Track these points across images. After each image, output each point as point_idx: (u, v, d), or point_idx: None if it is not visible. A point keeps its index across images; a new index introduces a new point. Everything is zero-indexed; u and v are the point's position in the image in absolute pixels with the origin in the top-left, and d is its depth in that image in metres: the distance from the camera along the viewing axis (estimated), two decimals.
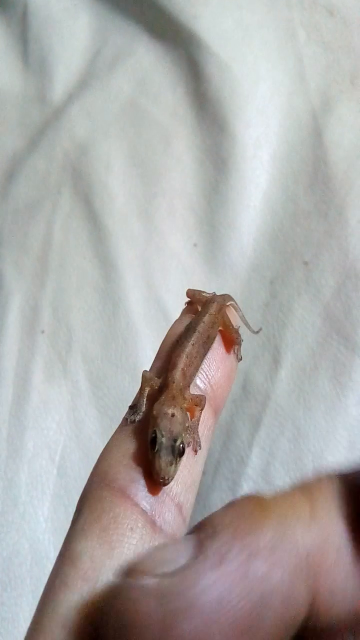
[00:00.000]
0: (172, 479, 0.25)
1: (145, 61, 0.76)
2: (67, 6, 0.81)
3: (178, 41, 0.74)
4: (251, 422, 0.53)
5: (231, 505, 0.18)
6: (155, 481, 0.25)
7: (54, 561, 0.55)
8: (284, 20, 0.72)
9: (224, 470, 0.53)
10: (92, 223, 0.68)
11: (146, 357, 0.60)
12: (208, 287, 0.62)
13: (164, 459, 0.25)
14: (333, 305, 0.54)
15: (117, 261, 0.65)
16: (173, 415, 0.27)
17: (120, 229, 0.67)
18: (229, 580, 0.16)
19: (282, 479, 0.51)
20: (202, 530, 0.17)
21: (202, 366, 0.31)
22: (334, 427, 0.50)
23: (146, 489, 0.24)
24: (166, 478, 0.25)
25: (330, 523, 0.18)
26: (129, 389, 0.59)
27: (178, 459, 0.26)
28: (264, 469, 0.51)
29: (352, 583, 0.17)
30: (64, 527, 0.56)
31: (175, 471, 0.25)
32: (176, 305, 0.62)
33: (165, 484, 0.25)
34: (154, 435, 0.26)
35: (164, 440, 0.26)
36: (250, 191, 0.65)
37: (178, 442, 0.26)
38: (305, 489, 0.18)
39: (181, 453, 0.26)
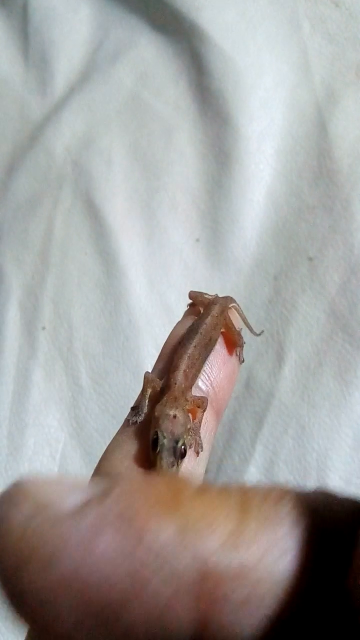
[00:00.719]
0: None
1: (147, 54, 0.75)
2: None
3: (180, 33, 0.73)
4: (254, 420, 0.53)
5: (157, 481, 0.17)
6: None
7: None
8: (288, 11, 0.70)
9: (227, 469, 0.52)
10: (93, 218, 0.67)
11: (148, 353, 0.60)
12: (211, 282, 0.61)
13: (165, 460, 0.25)
14: (338, 301, 0.54)
15: (118, 257, 0.64)
16: (175, 416, 0.26)
17: (121, 224, 0.66)
18: (88, 551, 0.15)
19: (285, 478, 0.50)
20: (110, 491, 0.16)
21: (204, 368, 0.31)
22: (338, 425, 0.50)
23: None
24: None
25: (259, 551, 0.16)
26: (131, 386, 0.59)
27: (180, 461, 0.25)
28: (268, 468, 0.50)
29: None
30: None
31: (177, 472, 0.25)
32: (178, 302, 0.62)
33: None
34: (155, 436, 0.26)
35: (165, 441, 0.25)
36: (254, 185, 0.64)
37: (180, 444, 0.26)
38: (243, 495, 0.17)
39: (183, 454, 0.26)
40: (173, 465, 0.25)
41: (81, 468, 0.56)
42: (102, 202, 0.68)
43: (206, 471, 0.29)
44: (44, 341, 0.61)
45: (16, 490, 0.16)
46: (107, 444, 0.56)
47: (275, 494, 0.17)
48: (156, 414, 0.27)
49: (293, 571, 0.16)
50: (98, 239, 0.66)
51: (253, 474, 0.51)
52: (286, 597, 0.16)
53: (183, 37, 0.73)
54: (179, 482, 0.17)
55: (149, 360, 0.60)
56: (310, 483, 0.49)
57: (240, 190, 0.64)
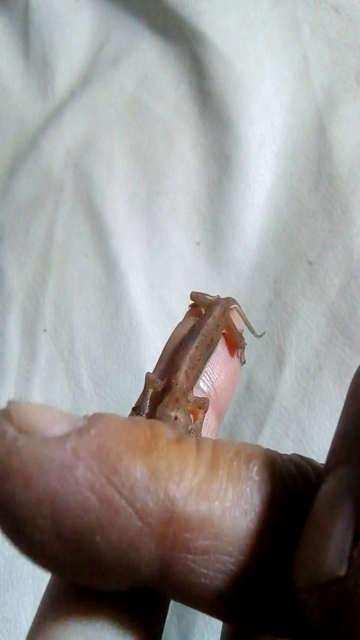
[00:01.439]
0: None
1: (148, 57, 0.75)
2: (69, 1, 0.81)
3: (181, 37, 0.74)
4: (255, 422, 0.53)
5: (136, 426, 0.18)
6: None
7: None
8: (288, 16, 0.71)
9: None
10: (94, 221, 0.67)
11: (149, 356, 0.60)
12: (211, 286, 0.62)
13: None
14: (338, 305, 0.54)
15: (119, 259, 0.64)
16: (176, 418, 0.27)
17: (122, 227, 0.66)
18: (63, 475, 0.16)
19: None
20: (94, 421, 0.18)
21: (206, 369, 0.31)
22: None
23: None
24: None
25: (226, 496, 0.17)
26: (132, 388, 0.59)
27: None
28: None
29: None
30: None
31: None
32: (179, 304, 0.62)
33: None
34: None
35: None
36: (254, 189, 0.64)
37: None
38: (216, 450, 0.18)
39: None
40: None
41: None
42: (103, 204, 0.68)
43: None
44: (45, 343, 0.62)
45: (3, 413, 0.17)
46: None
47: (247, 453, 0.18)
48: (157, 415, 0.27)
49: (255, 530, 0.16)
50: (99, 242, 0.66)
51: None
52: (246, 557, 0.16)
53: (184, 41, 0.73)
54: (156, 430, 0.18)
55: (150, 363, 0.60)
56: None
57: (241, 194, 0.64)
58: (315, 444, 0.50)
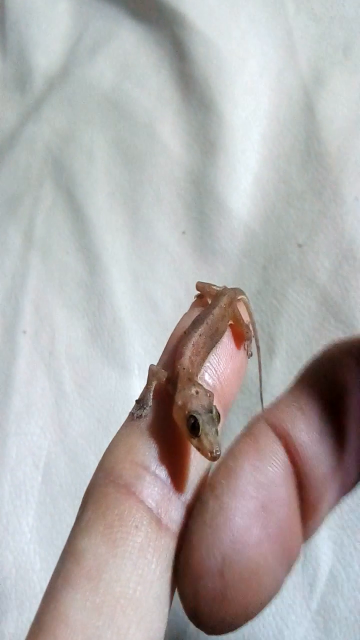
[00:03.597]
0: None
1: (127, 44, 0.72)
2: None
3: (161, 21, 0.71)
4: (245, 416, 0.49)
5: None
6: (208, 459, 0.24)
7: (39, 573, 0.51)
8: None
9: None
10: (75, 215, 0.64)
11: (134, 352, 0.57)
12: (198, 276, 0.58)
13: (210, 434, 0.24)
14: (329, 288, 0.50)
15: (101, 254, 0.61)
16: (197, 392, 0.26)
17: (104, 220, 0.63)
18: None
19: None
20: None
21: (211, 361, 0.29)
22: None
23: (152, 486, 0.23)
24: (219, 450, 0.24)
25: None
26: (117, 388, 0.56)
27: (218, 425, 0.25)
28: None
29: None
30: (50, 537, 0.52)
31: (221, 439, 0.24)
32: (165, 297, 0.59)
33: (217, 458, 0.24)
34: (193, 420, 0.24)
35: (203, 417, 0.24)
36: (240, 173, 0.61)
37: (214, 411, 0.25)
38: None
39: (219, 419, 0.25)
40: (217, 434, 0.24)
41: (66, 476, 0.53)
42: (84, 198, 0.65)
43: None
44: (25, 345, 0.59)
45: None
46: (93, 450, 0.53)
47: None
48: (180, 401, 0.26)
49: None
50: (80, 237, 0.63)
51: None
52: None
53: (164, 24, 0.70)
54: None
55: (135, 360, 0.57)
56: None
57: (227, 179, 0.61)
58: None
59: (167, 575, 0.20)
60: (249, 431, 0.23)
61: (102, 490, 0.22)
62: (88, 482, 0.23)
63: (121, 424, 0.26)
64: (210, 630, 0.20)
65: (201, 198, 0.62)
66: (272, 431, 0.22)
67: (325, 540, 0.43)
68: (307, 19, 0.66)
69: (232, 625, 0.19)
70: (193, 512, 0.19)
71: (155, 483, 0.22)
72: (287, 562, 0.20)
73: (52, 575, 0.21)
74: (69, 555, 0.21)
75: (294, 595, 0.42)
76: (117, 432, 0.26)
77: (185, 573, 0.18)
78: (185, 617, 0.49)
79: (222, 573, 0.18)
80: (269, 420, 0.23)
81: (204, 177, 0.62)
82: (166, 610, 0.21)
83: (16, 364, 0.58)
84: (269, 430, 0.22)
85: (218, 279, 0.57)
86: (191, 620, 0.19)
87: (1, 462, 0.54)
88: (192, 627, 0.46)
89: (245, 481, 0.21)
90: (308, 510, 0.22)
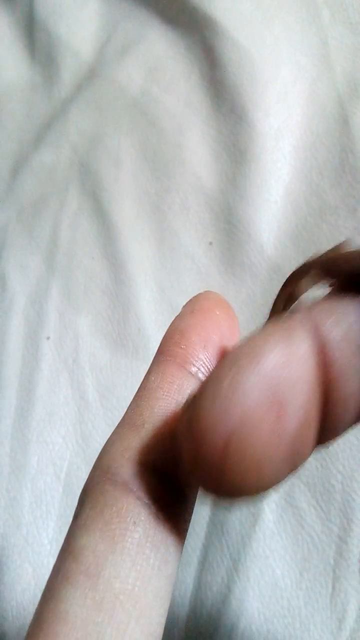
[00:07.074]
0: None
1: (157, 48, 0.71)
2: None
3: (192, 26, 0.69)
4: None
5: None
6: None
7: None
8: None
9: None
10: (100, 221, 0.64)
11: None
12: (225, 288, 0.57)
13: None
14: None
15: (127, 262, 0.60)
16: None
17: (130, 227, 0.62)
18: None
19: (308, 502, 0.46)
20: None
21: None
22: None
23: (149, 482, 0.23)
24: None
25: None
26: None
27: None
28: (288, 492, 0.46)
29: None
30: None
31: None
32: None
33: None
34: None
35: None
36: (271, 185, 0.60)
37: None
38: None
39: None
40: None
41: None
42: (110, 204, 0.64)
43: None
44: (48, 352, 0.58)
45: None
46: None
47: None
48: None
49: None
50: (106, 243, 0.62)
51: (272, 499, 0.47)
52: None
53: (195, 29, 0.69)
54: None
55: None
56: (335, 507, 0.45)
57: (257, 190, 0.60)
58: (340, 462, 0.46)
59: (165, 570, 0.20)
60: (284, 320, 0.20)
61: (99, 488, 0.22)
62: None
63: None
64: (210, 492, 0.19)
65: (229, 208, 0.61)
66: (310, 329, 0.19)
67: (355, 574, 0.42)
68: (343, 29, 0.65)
69: (228, 498, 0.19)
70: (209, 377, 0.18)
71: (152, 479, 0.22)
72: (292, 462, 0.19)
73: (51, 573, 0.21)
74: (67, 553, 0.21)
75: (322, 630, 0.41)
76: (114, 431, 0.25)
77: (190, 427, 0.17)
78: (183, 613, 0.49)
79: (227, 445, 0.17)
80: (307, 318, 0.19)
81: (233, 187, 0.61)
82: (166, 605, 0.20)
83: (39, 370, 0.57)
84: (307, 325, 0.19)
85: (245, 293, 0.56)
86: (189, 478, 0.19)
87: (22, 470, 0.54)
88: (189, 622, 0.45)
89: (269, 364, 0.19)
90: (328, 420, 0.19)
